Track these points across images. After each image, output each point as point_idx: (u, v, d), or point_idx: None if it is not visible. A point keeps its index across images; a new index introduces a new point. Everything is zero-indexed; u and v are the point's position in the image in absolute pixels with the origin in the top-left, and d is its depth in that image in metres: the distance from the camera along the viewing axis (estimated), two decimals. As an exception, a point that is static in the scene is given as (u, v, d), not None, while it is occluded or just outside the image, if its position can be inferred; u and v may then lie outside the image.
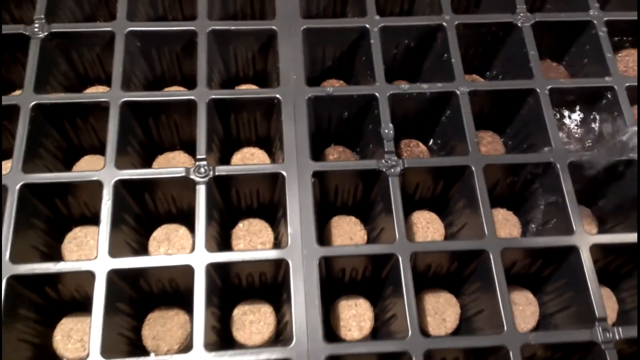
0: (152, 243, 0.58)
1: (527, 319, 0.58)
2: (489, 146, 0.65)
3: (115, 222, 0.52)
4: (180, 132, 0.63)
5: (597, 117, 0.64)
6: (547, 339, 0.50)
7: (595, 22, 0.65)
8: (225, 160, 0.64)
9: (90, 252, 0.57)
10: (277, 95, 0.59)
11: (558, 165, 0.57)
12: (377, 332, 0.57)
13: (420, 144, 0.66)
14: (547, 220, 0.60)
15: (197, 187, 0.54)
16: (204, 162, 0.54)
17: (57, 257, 0.57)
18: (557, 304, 0.57)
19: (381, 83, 0.60)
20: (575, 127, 0.64)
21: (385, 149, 0.57)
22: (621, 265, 0.59)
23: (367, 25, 0.63)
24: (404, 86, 0.61)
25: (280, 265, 0.53)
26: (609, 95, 0.62)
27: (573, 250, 0.54)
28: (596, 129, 0.63)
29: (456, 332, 0.57)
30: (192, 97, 0.58)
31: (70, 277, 0.50)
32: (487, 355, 0.51)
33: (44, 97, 0.57)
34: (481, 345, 0.50)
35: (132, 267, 0.50)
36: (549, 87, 0.61)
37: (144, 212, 0.58)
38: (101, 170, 0.53)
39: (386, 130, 0.57)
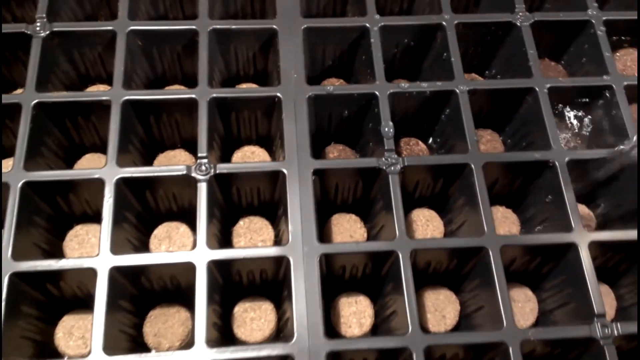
0: (153, 241, 0.59)
1: (527, 316, 0.58)
2: (488, 144, 0.66)
3: (117, 219, 0.52)
4: (181, 130, 0.63)
5: (596, 115, 0.64)
6: (546, 335, 0.50)
7: (593, 21, 0.66)
8: (226, 158, 0.64)
9: (92, 250, 0.57)
10: (278, 94, 0.59)
11: (557, 163, 0.57)
12: (377, 328, 0.57)
13: (420, 142, 0.66)
14: (545, 217, 0.60)
15: (198, 184, 0.54)
16: (205, 160, 0.55)
17: (59, 254, 0.57)
18: (556, 301, 0.58)
19: (381, 82, 0.60)
20: (575, 125, 0.64)
21: (386, 147, 0.57)
22: (619, 262, 0.59)
23: (367, 25, 0.63)
24: (403, 85, 0.61)
25: (281, 263, 0.53)
26: (607, 94, 0.63)
27: (572, 247, 0.54)
28: (595, 126, 0.63)
29: (456, 328, 0.58)
30: (193, 96, 0.58)
31: (72, 274, 0.51)
32: (487, 351, 0.51)
33: (45, 96, 0.57)
34: (481, 341, 0.50)
35: (134, 265, 0.50)
36: (548, 85, 0.61)
37: (145, 210, 0.59)
38: (103, 168, 0.54)
39: (386, 129, 0.58)
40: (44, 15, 0.61)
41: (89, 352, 0.47)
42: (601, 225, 0.63)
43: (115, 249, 0.51)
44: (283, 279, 0.55)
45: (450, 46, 0.63)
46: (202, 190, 0.54)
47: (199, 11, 0.62)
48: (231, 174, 0.56)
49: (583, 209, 0.63)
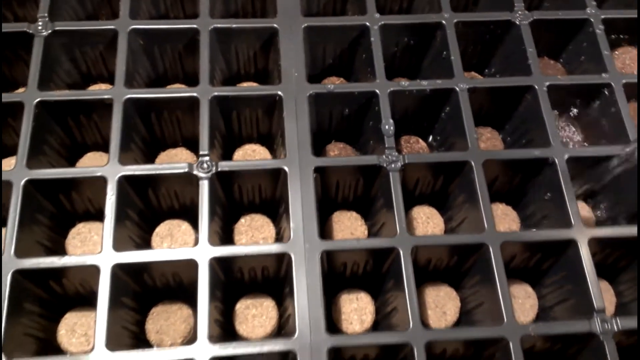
0: (155, 239, 0.59)
1: (527, 312, 0.59)
2: (488, 142, 0.66)
3: (119, 217, 0.53)
4: (182, 129, 0.63)
5: (595, 113, 0.64)
6: (546, 330, 0.51)
7: (592, 20, 0.66)
8: (227, 157, 0.65)
9: (94, 248, 0.57)
10: (279, 92, 0.60)
11: (556, 160, 0.58)
12: (378, 325, 0.58)
13: (420, 140, 0.66)
14: (545, 214, 0.60)
15: (200, 182, 0.54)
16: (207, 158, 0.55)
17: (61, 252, 0.57)
18: (556, 297, 0.58)
19: (381, 80, 0.61)
20: (574, 123, 0.65)
21: (386, 145, 0.57)
22: (619, 259, 0.59)
23: (368, 23, 0.64)
24: (404, 83, 0.61)
25: (282, 259, 0.53)
26: (606, 92, 0.63)
27: (572, 244, 0.54)
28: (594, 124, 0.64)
29: (456, 325, 0.58)
30: (195, 94, 0.58)
31: (75, 271, 0.51)
32: (488, 346, 0.51)
33: (48, 94, 0.57)
34: (481, 336, 0.50)
35: (136, 262, 0.51)
36: (547, 83, 0.62)
37: (147, 207, 0.59)
38: (105, 166, 0.54)
39: (387, 127, 0.58)
40: (46, 14, 0.61)
41: (92, 349, 0.47)
42: (601, 223, 0.63)
43: (118, 247, 0.51)
44: (284, 276, 0.55)
45: (450, 45, 0.63)
46: (204, 187, 0.54)
47: (200, 10, 0.63)
48: (233, 172, 0.56)
49: (583, 206, 0.64)
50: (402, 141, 0.66)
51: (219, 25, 0.62)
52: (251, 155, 0.64)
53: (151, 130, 0.62)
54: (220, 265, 0.52)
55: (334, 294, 0.59)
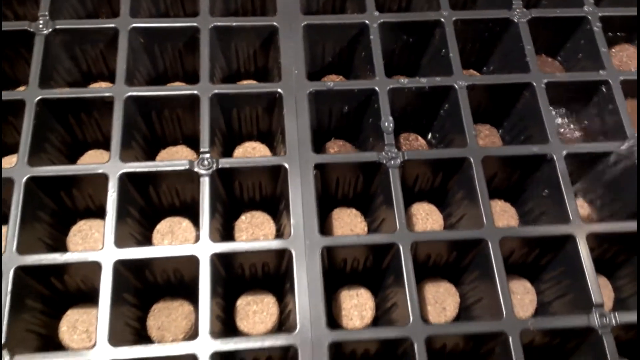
0: (156, 236, 0.59)
1: (526, 308, 0.59)
2: (486, 139, 0.67)
3: (120, 214, 0.53)
4: (183, 126, 0.63)
5: (593, 110, 0.65)
6: (545, 325, 0.51)
7: (590, 17, 0.66)
8: (228, 154, 0.65)
9: (95, 245, 0.57)
10: (279, 90, 0.60)
11: (555, 157, 0.58)
12: (378, 321, 0.58)
13: (419, 137, 0.67)
14: (543, 211, 0.61)
15: (201, 179, 0.54)
16: (208, 155, 0.55)
17: (63, 249, 0.58)
18: (555, 292, 0.58)
19: (381, 77, 0.61)
20: (572, 120, 0.65)
21: (386, 142, 0.58)
22: (617, 254, 0.60)
23: (367, 21, 0.64)
24: (403, 80, 0.62)
25: (283, 255, 0.54)
26: (604, 89, 0.63)
27: (570, 239, 0.55)
28: (591, 121, 0.64)
29: (456, 320, 0.58)
30: (195, 92, 0.59)
31: (77, 267, 0.51)
32: (487, 341, 0.52)
33: (49, 92, 0.57)
34: (481, 331, 0.51)
35: (138, 258, 0.51)
36: (545, 80, 0.62)
37: (148, 205, 0.59)
38: (106, 163, 0.54)
39: (386, 124, 0.58)
40: (47, 12, 0.61)
41: (93, 345, 0.47)
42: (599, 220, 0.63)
43: (119, 243, 0.51)
44: (285, 272, 0.55)
45: (449, 42, 0.63)
46: (205, 184, 0.54)
47: (200, 8, 0.63)
48: (233, 169, 0.56)
49: (582, 203, 0.64)
50: (401, 138, 0.67)
51: (219, 24, 0.63)
52: (251, 153, 0.64)
53: (152, 128, 0.63)
54: (221, 262, 0.53)
55: (334, 290, 0.59)
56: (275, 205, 0.62)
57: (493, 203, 0.63)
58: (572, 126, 0.66)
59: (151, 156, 0.64)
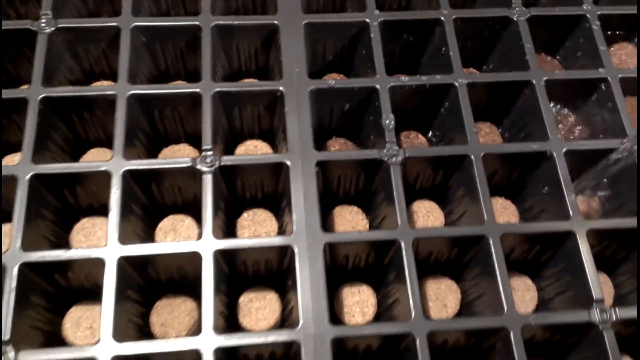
0: (159, 233, 0.59)
1: (526, 304, 0.59)
2: (486, 137, 0.67)
3: (124, 212, 0.53)
4: (185, 125, 0.64)
5: (592, 107, 0.65)
6: (546, 320, 0.51)
7: (588, 16, 0.67)
8: (229, 152, 0.65)
9: (99, 242, 0.58)
10: (280, 88, 0.60)
11: (554, 154, 0.58)
12: (380, 317, 0.58)
13: (420, 135, 0.67)
14: (543, 208, 0.61)
15: (204, 177, 0.55)
16: (210, 153, 0.55)
17: (66, 247, 0.57)
18: (555, 289, 0.59)
19: (381, 75, 0.61)
20: (572, 117, 0.65)
21: (387, 139, 0.58)
22: (617, 251, 0.60)
23: (367, 20, 0.64)
24: (403, 78, 0.62)
25: (285, 252, 0.54)
26: (603, 87, 0.64)
27: (570, 236, 0.55)
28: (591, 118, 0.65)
29: (457, 317, 0.59)
30: (197, 90, 0.59)
31: (81, 264, 0.51)
32: (489, 336, 0.52)
33: (52, 90, 0.58)
34: (482, 326, 0.51)
35: (142, 254, 0.51)
36: (545, 78, 0.62)
37: (150, 202, 0.59)
38: (110, 161, 0.54)
39: (387, 121, 0.59)
40: (49, 11, 0.61)
41: (97, 342, 0.48)
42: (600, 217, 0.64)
43: (123, 240, 0.52)
44: (287, 269, 0.56)
45: (449, 41, 0.64)
46: (208, 182, 0.55)
47: (202, 7, 0.63)
48: (235, 166, 0.57)
49: (582, 201, 0.64)
50: (401, 136, 0.67)
51: (220, 22, 0.63)
52: (253, 151, 0.65)
53: (154, 126, 0.63)
54: (224, 258, 0.53)
55: (336, 287, 0.60)
56: (277, 202, 0.62)
57: (493, 200, 0.63)
58: (571, 123, 0.67)
59: (154, 154, 0.64)
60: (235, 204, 0.62)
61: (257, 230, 0.61)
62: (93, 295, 0.55)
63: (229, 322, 0.56)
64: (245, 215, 0.62)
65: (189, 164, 0.55)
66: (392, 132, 0.58)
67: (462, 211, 0.61)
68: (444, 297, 0.59)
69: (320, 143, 0.66)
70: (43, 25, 0.61)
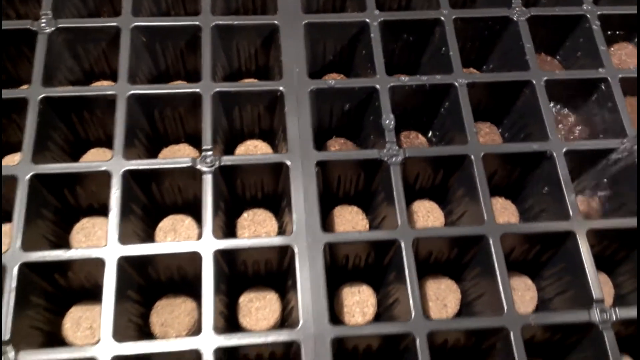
0: (159, 233, 0.59)
1: (526, 304, 0.59)
2: (486, 137, 0.67)
3: (124, 212, 0.53)
4: (185, 125, 0.64)
5: (592, 107, 0.65)
6: (546, 320, 0.51)
7: (588, 16, 0.67)
8: (229, 153, 0.65)
9: (99, 242, 0.58)
10: (281, 88, 0.60)
11: (554, 154, 0.58)
12: (380, 317, 0.58)
13: (420, 135, 0.67)
14: (543, 208, 0.61)
15: (204, 176, 0.55)
16: (210, 153, 0.55)
17: (66, 247, 0.57)
18: (555, 289, 0.59)
19: (382, 75, 0.61)
20: (571, 117, 0.65)
21: (387, 139, 0.58)
22: (617, 251, 0.60)
23: (367, 20, 0.64)
24: (403, 78, 0.62)
25: (285, 252, 0.54)
26: (603, 87, 0.64)
27: (570, 235, 0.55)
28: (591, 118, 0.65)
29: (457, 317, 0.59)
30: (197, 90, 0.59)
31: (81, 264, 0.51)
32: (489, 336, 0.52)
33: (52, 90, 0.58)
34: (483, 326, 0.51)
35: (142, 254, 0.51)
36: (545, 78, 0.62)
37: (150, 202, 0.60)
38: (110, 161, 0.54)
39: (387, 121, 0.59)
40: (49, 11, 0.61)
41: (97, 342, 0.48)
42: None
43: (123, 240, 0.52)
44: (287, 269, 0.56)
45: (449, 41, 0.64)
46: (208, 182, 0.55)
47: (202, 7, 0.63)
48: (236, 166, 0.57)
49: (582, 201, 0.64)
50: (401, 137, 0.67)
51: (220, 22, 0.63)
52: (253, 151, 0.65)
53: (154, 126, 0.63)
54: (224, 258, 0.53)
55: (336, 287, 0.60)
56: (277, 203, 0.62)
57: (493, 200, 0.63)
58: (571, 123, 0.67)
59: (153, 154, 0.64)
60: (235, 204, 0.62)
61: (257, 230, 0.61)
62: (93, 295, 0.55)
63: (229, 322, 0.56)
64: (245, 215, 0.62)
65: (189, 164, 0.55)
66: (392, 132, 0.58)
67: (462, 211, 0.61)
68: (444, 297, 0.59)
69: (320, 143, 0.66)
70: (43, 25, 0.61)
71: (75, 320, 0.55)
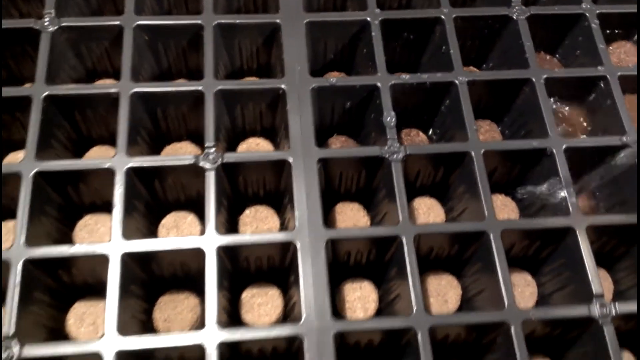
0: (162, 230, 0.60)
1: (526, 300, 0.60)
2: (486, 135, 0.67)
3: (127, 208, 0.54)
4: (187, 123, 0.64)
5: (591, 105, 0.66)
6: (546, 315, 0.52)
7: (587, 14, 0.67)
8: (231, 150, 0.65)
9: (102, 240, 0.58)
10: (282, 86, 0.61)
11: (554, 151, 0.59)
12: (381, 313, 0.59)
13: (421, 133, 0.68)
14: (543, 205, 0.62)
15: (207, 173, 0.55)
16: (213, 150, 0.56)
17: (69, 244, 0.58)
18: (555, 284, 0.59)
19: (382, 73, 0.62)
20: (571, 115, 0.66)
21: (388, 136, 0.59)
22: (616, 247, 0.60)
23: (368, 19, 0.65)
24: (404, 76, 0.62)
25: (288, 248, 0.54)
26: (602, 85, 0.64)
27: (570, 231, 0.56)
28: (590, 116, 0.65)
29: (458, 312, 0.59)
30: (200, 88, 0.59)
31: (85, 260, 0.52)
32: (489, 331, 0.53)
33: (56, 88, 0.58)
34: (484, 321, 0.51)
35: (145, 250, 0.52)
36: (544, 76, 0.63)
37: (153, 199, 0.60)
38: (113, 158, 0.55)
39: (388, 118, 0.59)
40: (52, 10, 0.62)
41: (101, 337, 0.48)
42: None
43: (126, 236, 0.52)
44: (290, 265, 0.56)
45: (449, 39, 0.64)
46: (210, 178, 0.55)
47: (204, 6, 0.64)
48: (238, 163, 0.57)
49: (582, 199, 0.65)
50: (402, 134, 0.67)
51: (222, 21, 0.63)
52: (255, 149, 0.65)
53: (156, 124, 0.63)
54: (227, 254, 0.53)
55: (338, 284, 0.60)
56: (279, 200, 0.63)
57: (493, 197, 0.63)
58: (570, 118, 0.67)
59: (156, 153, 0.64)
60: (237, 201, 0.62)
61: (259, 226, 0.61)
62: (96, 291, 0.55)
63: (232, 318, 0.56)
64: (247, 212, 0.62)
65: (192, 161, 0.56)
66: (394, 129, 0.59)
67: (462, 208, 0.61)
68: (444, 293, 0.59)
69: (321, 141, 0.66)
70: (46, 24, 0.61)
71: (78, 316, 0.55)
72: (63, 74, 0.63)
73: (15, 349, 0.47)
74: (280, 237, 0.54)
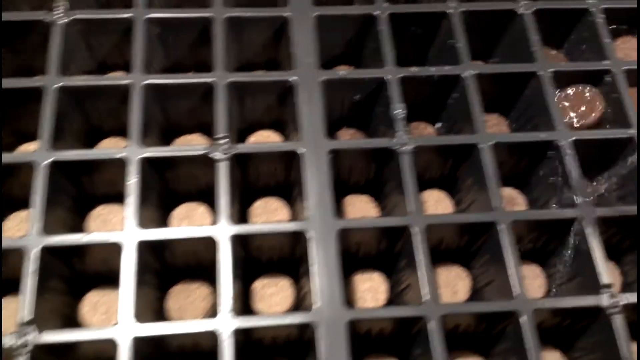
0: (173, 220, 0.60)
1: (535, 291, 0.60)
2: (494, 128, 0.68)
3: (140, 198, 0.54)
4: (198, 115, 0.64)
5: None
6: (557, 304, 0.52)
7: (593, 9, 0.68)
8: (241, 142, 0.66)
9: (115, 229, 0.58)
10: (292, 78, 0.61)
11: (562, 144, 0.59)
12: (392, 303, 0.59)
13: (429, 126, 0.68)
14: (551, 197, 0.62)
15: (219, 164, 0.56)
16: (225, 140, 0.56)
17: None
18: (564, 276, 0.60)
19: (391, 66, 0.62)
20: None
21: (397, 129, 0.59)
22: (623, 239, 0.61)
23: (376, 12, 0.65)
24: (413, 69, 0.63)
25: (299, 238, 0.55)
26: (608, 78, 0.65)
27: (576, 222, 0.56)
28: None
29: (468, 302, 0.60)
30: (211, 80, 0.60)
31: (99, 248, 0.52)
32: (500, 320, 0.53)
33: (68, 80, 0.58)
34: (495, 310, 0.52)
35: (160, 239, 0.52)
36: (551, 70, 0.64)
37: (165, 190, 0.60)
38: (127, 148, 0.55)
39: (397, 110, 0.60)
40: (64, 2, 0.62)
41: (116, 324, 0.48)
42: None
43: (142, 225, 0.52)
44: (301, 255, 0.57)
45: (456, 33, 0.65)
46: (222, 169, 0.55)
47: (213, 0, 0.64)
48: (250, 154, 0.58)
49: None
50: (410, 127, 0.68)
51: (233, 14, 0.64)
52: (265, 141, 0.65)
53: (167, 116, 0.64)
54: (239, 244, 0.54)
55: (348, 275, 0.60)
56: (289, 192, 0.63)
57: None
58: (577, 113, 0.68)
59: (167, 144, 0.65)
60: (247, 192, 0.63)
61: (269, 218, 0.62)
62: (109, 280, 0.55)
63: (244, 307, 0.56)
64: (257, 204, 0.63)
65: (204, 152, 0.56)
66: (403, 121, 0.59)
67: (471, 200, 0.62)
68: (454, 285, 0.60)
69: (330, 134, 0.67)
70: (58, 16, 0.61)
71: (92, 305, 0.56)
72: (74, 66, 0.63)
73: (33, 335, 0.47)
74: (291, 226, 0.54)
